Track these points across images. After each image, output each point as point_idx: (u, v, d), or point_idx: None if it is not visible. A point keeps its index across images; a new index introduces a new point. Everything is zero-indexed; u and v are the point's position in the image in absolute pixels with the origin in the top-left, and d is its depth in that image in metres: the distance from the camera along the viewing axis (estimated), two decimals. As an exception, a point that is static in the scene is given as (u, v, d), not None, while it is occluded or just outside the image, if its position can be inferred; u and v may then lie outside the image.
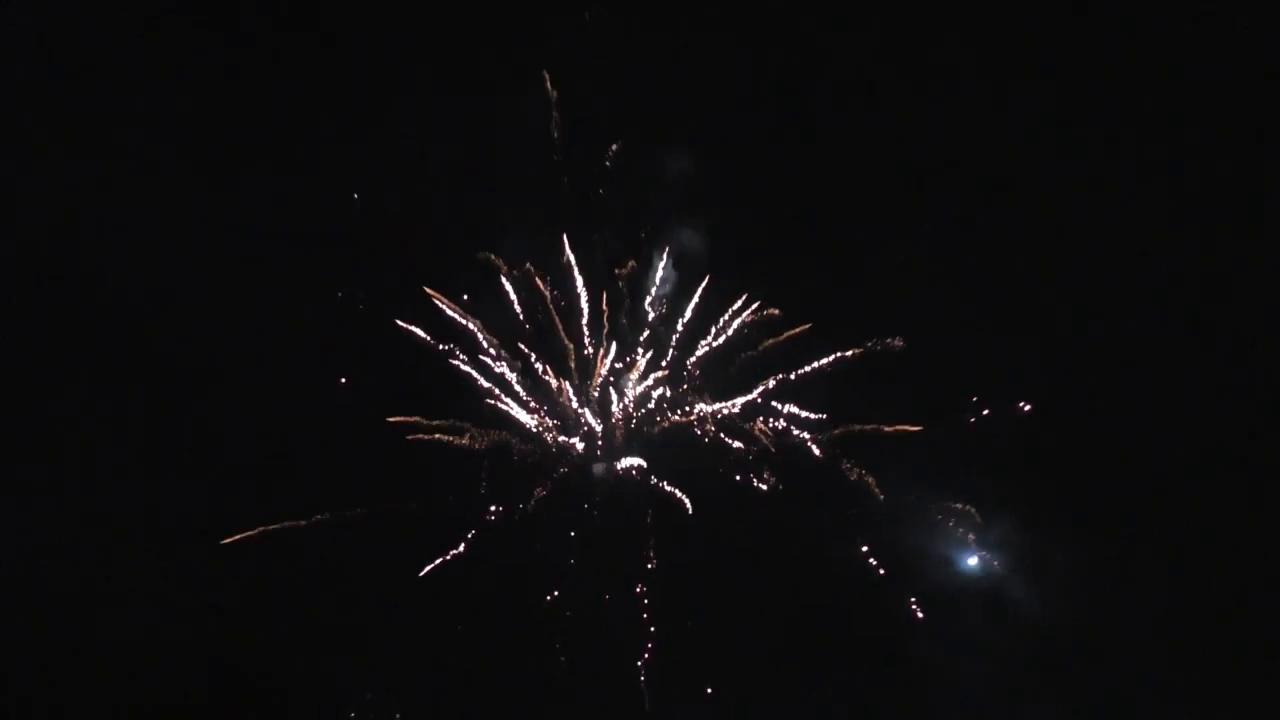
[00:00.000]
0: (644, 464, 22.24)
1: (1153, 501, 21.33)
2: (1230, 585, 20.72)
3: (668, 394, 22.91)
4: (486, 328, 22.22)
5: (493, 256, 22.26)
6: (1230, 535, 20.97)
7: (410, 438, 21.52)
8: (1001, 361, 22.02)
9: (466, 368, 22.08)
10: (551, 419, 22.65)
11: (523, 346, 22.36)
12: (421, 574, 21.14)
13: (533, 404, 22.45)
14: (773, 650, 21.15)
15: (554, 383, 22.43)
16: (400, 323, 21.98)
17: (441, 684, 21.31)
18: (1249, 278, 21.56)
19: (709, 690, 20.99)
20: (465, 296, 22.16)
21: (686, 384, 22.82)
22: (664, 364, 22.63)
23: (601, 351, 22.53)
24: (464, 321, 22.13)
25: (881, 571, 21.43)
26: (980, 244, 22.38)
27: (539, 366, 22.45)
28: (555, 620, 21.41)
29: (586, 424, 22.79)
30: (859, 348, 21.78)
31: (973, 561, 21.57)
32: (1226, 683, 20.25)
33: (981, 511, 21.45)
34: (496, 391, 22.18)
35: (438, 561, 21.22)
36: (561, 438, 22.69)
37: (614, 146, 22.16)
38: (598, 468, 22.50)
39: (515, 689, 21.17)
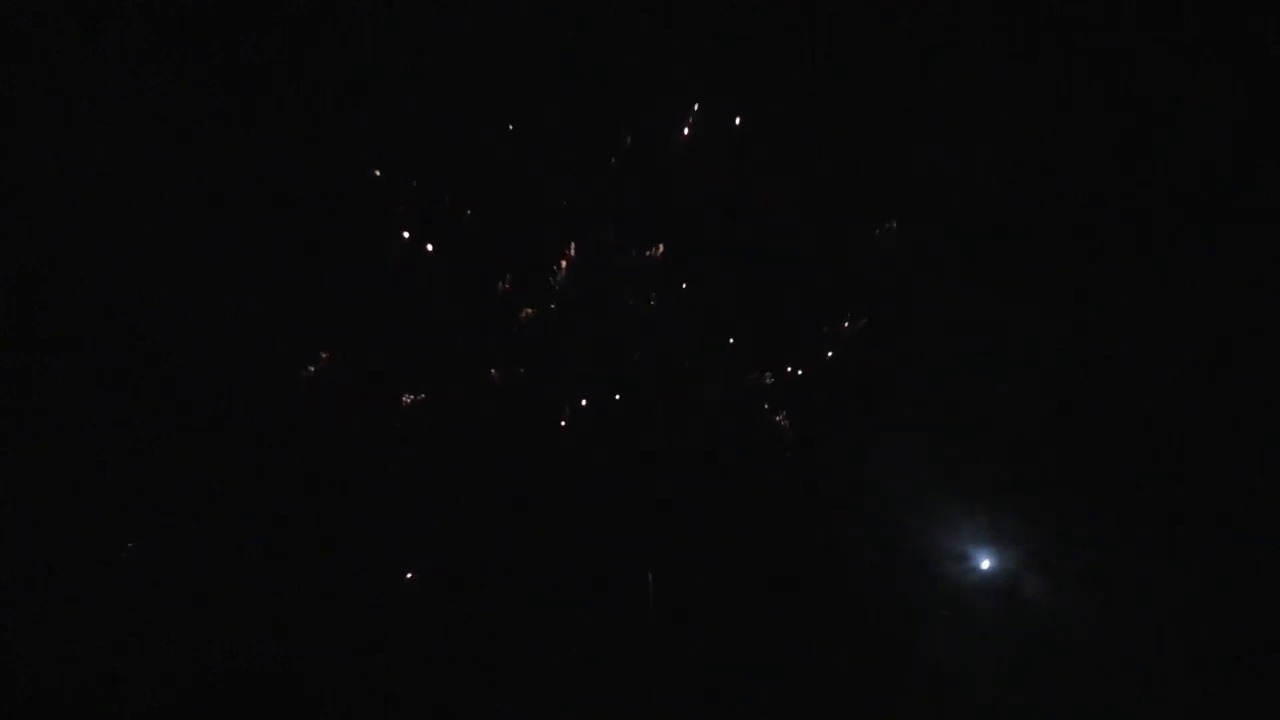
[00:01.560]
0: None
1: (1173, 496, 21.27)
2: (1251, 583, 20.64)
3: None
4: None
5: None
6: (1251, 532, 20.88)
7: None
8: (1016, 347, 21.97)
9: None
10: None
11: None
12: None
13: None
14: (777, 646, 21.12)
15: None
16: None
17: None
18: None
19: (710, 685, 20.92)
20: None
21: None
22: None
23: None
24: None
25: (891, 565, 21.30)
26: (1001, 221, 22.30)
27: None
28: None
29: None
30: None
31: (985, 563, 21.47)
32: (1244, 683, 20.22)
33: (995, 504, 21.30)
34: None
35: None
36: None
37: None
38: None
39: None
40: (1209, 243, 21.82)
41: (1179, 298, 21.78)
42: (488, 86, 22.17)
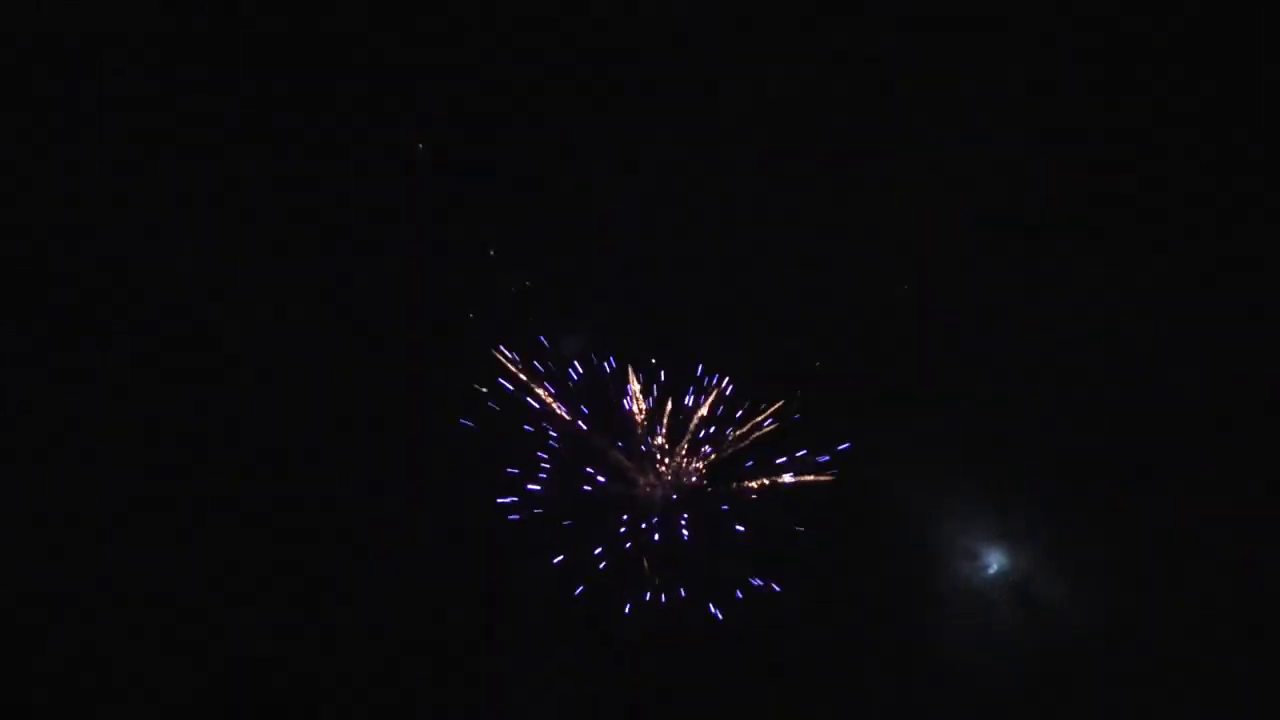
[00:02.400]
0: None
1: (1176, 496, 21.19)
2: (1253, 583, 20.57)
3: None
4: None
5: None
6: (1253, 532, 20.80)
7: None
8: (1029, 348, 21.99)
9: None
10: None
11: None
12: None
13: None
14: (780, 644, 21.10)
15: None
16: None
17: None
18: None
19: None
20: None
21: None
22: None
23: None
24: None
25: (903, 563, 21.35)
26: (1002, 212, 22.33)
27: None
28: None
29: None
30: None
31: (996, 561, 21.50)
32: (1245, 684, 20.06)
33: (1007, 503, 21.28)
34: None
35: None
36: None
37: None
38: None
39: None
40: (1211, 243, 21.87)
41: (1181, 297, 21.82)
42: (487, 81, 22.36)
